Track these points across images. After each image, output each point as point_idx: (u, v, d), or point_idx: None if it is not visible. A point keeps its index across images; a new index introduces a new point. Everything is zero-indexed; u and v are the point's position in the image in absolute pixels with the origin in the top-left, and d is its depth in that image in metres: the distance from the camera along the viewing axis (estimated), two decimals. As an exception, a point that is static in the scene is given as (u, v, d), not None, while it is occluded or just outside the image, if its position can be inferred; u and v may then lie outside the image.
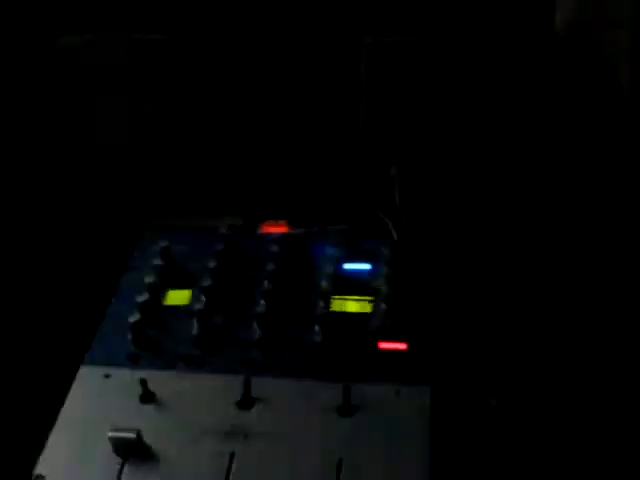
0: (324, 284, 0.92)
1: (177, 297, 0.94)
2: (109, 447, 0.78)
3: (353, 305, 0.91)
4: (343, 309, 0.91)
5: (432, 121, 1.21)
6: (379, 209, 1.21)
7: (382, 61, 1.18)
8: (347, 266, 0.96)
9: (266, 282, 0.92)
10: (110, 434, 0.78)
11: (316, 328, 0.88)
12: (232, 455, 0.78)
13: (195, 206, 1.20)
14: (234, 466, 0.77)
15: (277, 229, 1.07)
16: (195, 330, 0.89)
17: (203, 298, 0.92)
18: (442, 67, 1.17)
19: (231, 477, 0.76)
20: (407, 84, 1.19)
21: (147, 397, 0.83)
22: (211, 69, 1.20)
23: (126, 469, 0.78)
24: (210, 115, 1.22)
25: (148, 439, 0.79)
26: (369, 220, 1.21)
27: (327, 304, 0.90)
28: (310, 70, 1.21)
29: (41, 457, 0.79)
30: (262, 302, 0.90)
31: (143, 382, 0.83)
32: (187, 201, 1.21)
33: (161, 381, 0.84)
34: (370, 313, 0.90)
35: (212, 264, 0.95)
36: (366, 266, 0.96)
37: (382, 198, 1.21)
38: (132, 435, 0.78)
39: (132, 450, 0.78)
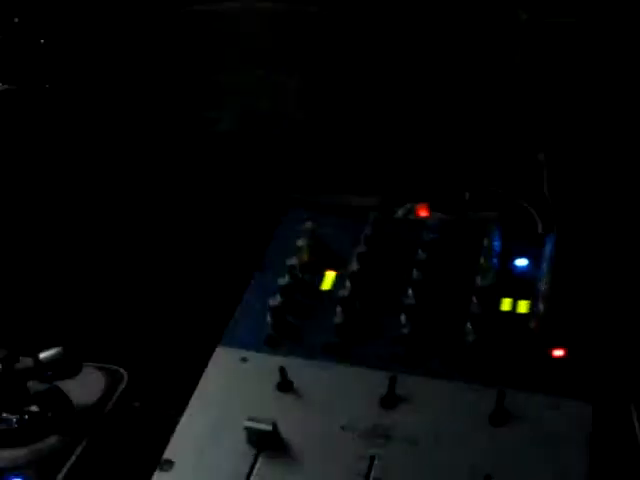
0: (480, 279, 0.85)
1: (322, 282, 0.89)
2: (241, 434, 0.74)
3: (510, 304, 0.84)
4: (500, 308, 0.84)
5: (585, 105, 1.14)
6: (524, 198, 1.15)
7: (537, 41, 1.11)
8: (515, 262, 0.88)
9: (416, 271, 0.86)
10: (246, 424, 0.74)
11: (468, 326, 0.81)
12: (372, 459, 0.72)
13: (334, 183, 1.16)
14: (373, 471, 0.71)
15: (423, 213, 1.01)
16: (339, 318, 0.83)
17: (349, 284, 0.86)
18: (598, 50, 1.10)
19: None
20: (562, 66, 1.12)
21: (285, 385, 0.79)
22: (359, 46, 1.15)
23: (259, 461, 0.73)
24: (357, 94, 1.17)
25: (282, 430, 0.74)
26: (511, 209, 1.14)
27: (483, 301, 0.83)
28: (460, 49, 1.15)
29: (171, 442, 0.75)
30: (411, 293, 0.84)
31: (282, 370, 0.78)
32: (327, 178, 1.17)
33: (300, 369, 0.80)
34: (527, 314, 0.83)
35: (360, 249, 0.89)
36: (525, 261, 0.88)
37: (527, 186, 1.15)
38: (268, 427, 0.73)
39: (266, 441, 0.74)
